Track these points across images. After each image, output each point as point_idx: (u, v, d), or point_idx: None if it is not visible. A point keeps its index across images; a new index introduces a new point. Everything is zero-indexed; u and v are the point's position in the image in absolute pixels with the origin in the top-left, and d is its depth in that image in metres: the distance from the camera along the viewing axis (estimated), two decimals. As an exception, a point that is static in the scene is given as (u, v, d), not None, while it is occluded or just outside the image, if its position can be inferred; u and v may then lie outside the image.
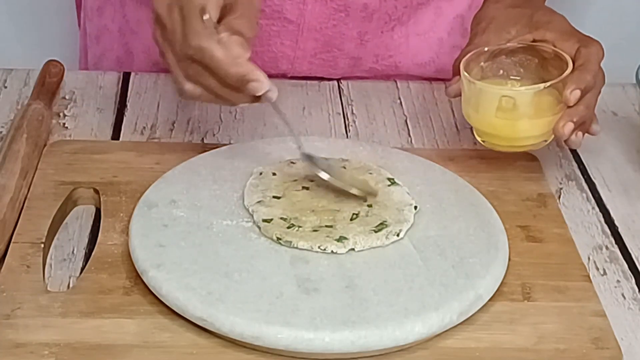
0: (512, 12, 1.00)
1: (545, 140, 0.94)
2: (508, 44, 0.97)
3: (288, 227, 0.83)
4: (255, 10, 0.88)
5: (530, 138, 0.93)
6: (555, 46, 0.96)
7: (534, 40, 0.97)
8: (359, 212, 0.86)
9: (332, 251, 0.82)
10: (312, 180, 0.89)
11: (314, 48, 1.13)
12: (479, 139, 0.96)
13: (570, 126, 0.91)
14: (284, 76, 1.15)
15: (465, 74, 0.92)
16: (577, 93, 0.90)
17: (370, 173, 0.91)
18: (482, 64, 0.96)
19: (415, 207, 0.88)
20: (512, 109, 0.91)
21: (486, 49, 0.96)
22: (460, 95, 0.95)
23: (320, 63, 1.14)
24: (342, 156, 0.94)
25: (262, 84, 0.84)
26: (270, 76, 1.14)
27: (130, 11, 1.17)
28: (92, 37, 1.22)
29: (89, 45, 1.23)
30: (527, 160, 1.00)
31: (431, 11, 1.15)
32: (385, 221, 0.85)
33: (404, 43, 1.15)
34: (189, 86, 0.86)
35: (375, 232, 0.84)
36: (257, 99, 0.85)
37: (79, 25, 1.29)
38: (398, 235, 0.84)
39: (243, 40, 0.84)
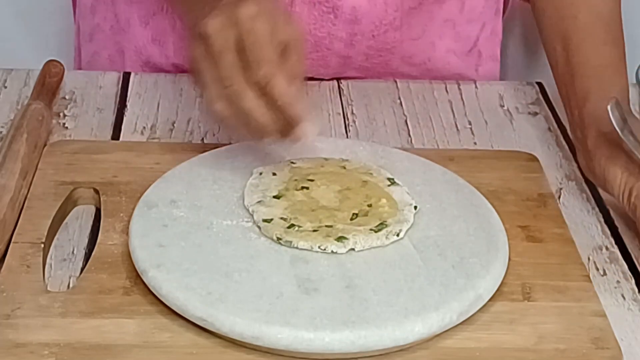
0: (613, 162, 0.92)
1: None
2: None
3: (288, 227, 0.83)
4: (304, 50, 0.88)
5: None
6: None
7: None
8: (359, 212, 0.86)
9: (332, 251, 0.82)
10: (312, 180, 0.89)
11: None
12: None
13: None
14: None
15: None
16: None
17: (371, 173, 0.91)
18: None
19: (415, 207, 0.87)
20: None
21: None
22: None
23: (310, 63, 1.14)
24: (342, 156, 0.94)
25: (311, 132, 0.85)
26: None
27: (120, 10, 1.17)
28: (86, 36, 1.22)
29: (82, 44, 1.23)
30: (527, 160, 1.00)
31: (423, 15, 1.15)
32: (385, 221, 0.85)
33: (397, 46, 1.15)
34: (220, 106, 0.85)
35: (375, 232, 0.84)
36: (284, 136, 0.86)
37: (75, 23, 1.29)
38: (398, 235, 0.84)
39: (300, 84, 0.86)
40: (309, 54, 1.13)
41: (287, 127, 0.85)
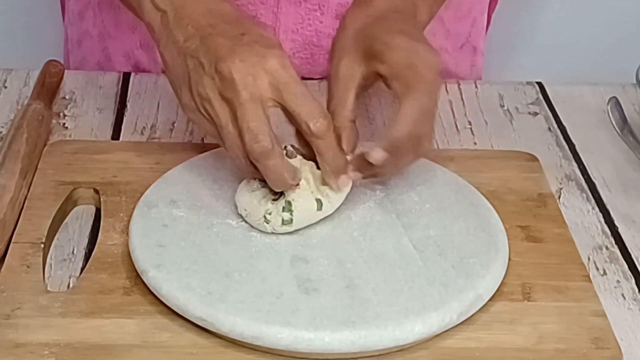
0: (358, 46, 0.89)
1: None
2: None
3: None
4: None
5: None
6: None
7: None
8: None
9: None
10: None
11: (291, 48, 1.13)
12: None
13: None
14: None
15: None
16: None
17: None
18: None
19: None
20: None
21: None
22: None
23: (299, 62, 1.14)
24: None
25: (349, 184, 0.84)
26: None
27: (108, 16, 1.17)
28: (74, 42, 1.22)
29: (71, 50, 1.24)
30: (527, 160, 1.00)
31: None
32: None
33: None
34: (241, 161, 0.82)
35: None
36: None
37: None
38: None
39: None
40: (297, 53, 1.14)
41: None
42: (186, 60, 0.83)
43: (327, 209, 0.85)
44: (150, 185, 0.90)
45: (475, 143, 1.04)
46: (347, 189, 0.85)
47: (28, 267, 0.82)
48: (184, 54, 0.84)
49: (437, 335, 0.77)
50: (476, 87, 1.15)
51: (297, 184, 0.83)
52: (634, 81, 1.01)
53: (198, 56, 0.82)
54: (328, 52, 1.13)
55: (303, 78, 1.13)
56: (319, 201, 0.84)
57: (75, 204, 0.92)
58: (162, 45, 0.87)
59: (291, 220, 0.83)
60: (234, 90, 0.80)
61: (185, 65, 0.83)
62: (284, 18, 1.11)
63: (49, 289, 0.81)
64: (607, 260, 0.89)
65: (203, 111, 0.83)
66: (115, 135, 1.03)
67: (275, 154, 0.80)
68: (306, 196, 0.84)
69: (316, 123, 0.81)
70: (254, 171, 0.83)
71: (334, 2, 1.11)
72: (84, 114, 1.06)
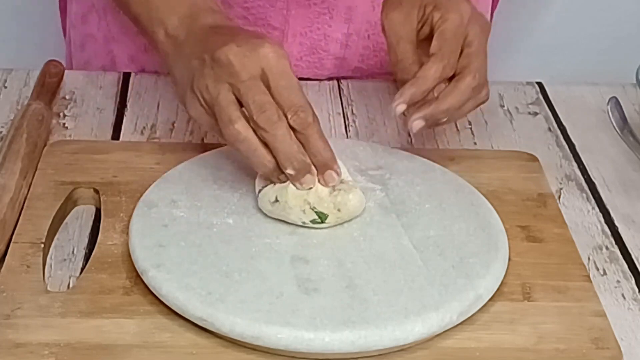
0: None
1: None
2: None
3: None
4: None
5: None
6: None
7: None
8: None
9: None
10: None
11: (299, 51, 1.13)
12: None
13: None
14: None
15: None
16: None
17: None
18: None
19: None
20: None
21: None
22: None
23: (306, 65, 1.14)
24: (342, 156, 0.94)
25: (336, 179, 0.85)
26: None
27: (113, 19, 1.16)
28: (77, 45, 1.22)
29: (74, 53, 1.23)
30: (527, 160, 1.00)
31: None
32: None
33: None
34: (240, 126, 0.82)
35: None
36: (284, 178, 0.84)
37: (64, 32, 1.29)
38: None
39: None
40: (305, 56, 1.14)
41: (307, 170, 0.84)
42: (190, 63, 0.86)
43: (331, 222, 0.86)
44: (150, 185, 0.90)
45: (475, 143, 1.04)
46: (360, 208, 0.86)
47: (28, 267, 0.82)
48: (189, 58, 0.87)
49: (437, 335, 0.77)
50: (476, 87, 1.15)
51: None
52: (634, 81, 1.01)
53: (199, 54, 0.85)
54: (335, 57, 1.14)
55: (309, 79, 1.14)
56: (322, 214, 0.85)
57: (75, 204, 0.92)
58: (172, 64, 0.90)
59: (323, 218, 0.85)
60: (233, 73, 0.82)
61: (191, 68, 0.86)
62: (292, 21, 1.11)
63: (49, 289, 0.81)
64: (607, 260, 0.89)
65: (202, 101, 0.84)
66: (115, 135, 1.03)
67: (282, 124, 0.81)
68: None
69: (298, 115, 0.82)
70: (263, 153, 0.82)
71: (343, 6, 1.11)
72: (84, 114, 1.06)
